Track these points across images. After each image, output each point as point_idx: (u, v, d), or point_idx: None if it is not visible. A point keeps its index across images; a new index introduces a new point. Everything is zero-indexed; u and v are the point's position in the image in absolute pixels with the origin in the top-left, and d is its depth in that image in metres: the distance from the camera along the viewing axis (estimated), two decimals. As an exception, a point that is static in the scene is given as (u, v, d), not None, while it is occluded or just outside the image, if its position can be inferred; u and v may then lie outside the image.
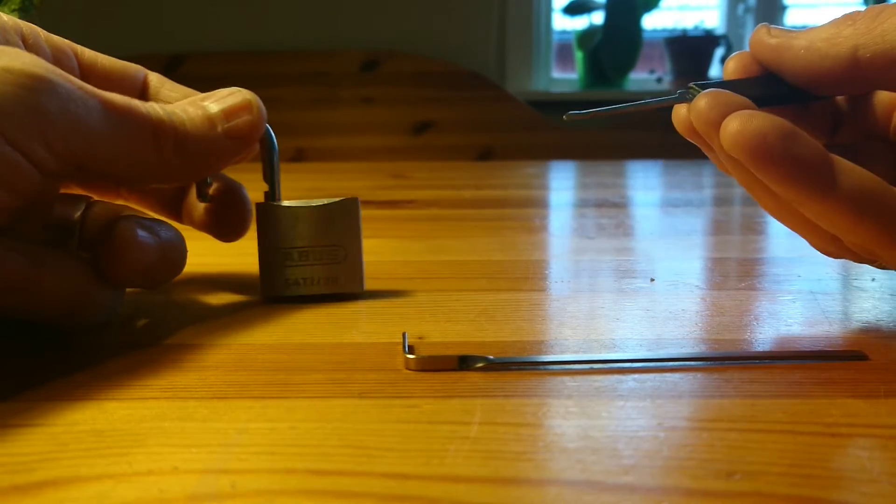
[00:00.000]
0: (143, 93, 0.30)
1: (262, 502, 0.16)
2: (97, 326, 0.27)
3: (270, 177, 0.30)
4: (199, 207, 0.31)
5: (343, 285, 0.30)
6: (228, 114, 0.27)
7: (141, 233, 0.25)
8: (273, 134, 0.30)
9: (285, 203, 0.29)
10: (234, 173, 0.31)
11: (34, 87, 0.21)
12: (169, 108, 0.26)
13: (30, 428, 0.19)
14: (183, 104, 0.26)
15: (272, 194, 0.30)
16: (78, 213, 0.29)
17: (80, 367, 0.23)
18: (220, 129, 0.26)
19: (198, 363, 0.23)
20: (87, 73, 0.29)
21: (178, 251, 0.27)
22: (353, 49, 1.73)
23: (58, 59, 0.28)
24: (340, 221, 0.30)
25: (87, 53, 0.29)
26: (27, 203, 0.22)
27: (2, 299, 0.23)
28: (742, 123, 0.22)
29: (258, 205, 0.30)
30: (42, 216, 0.27)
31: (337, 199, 0.30)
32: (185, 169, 0.26)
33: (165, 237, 0.26)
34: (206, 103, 0.27)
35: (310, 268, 0.29)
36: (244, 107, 0.27)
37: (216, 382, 0.22)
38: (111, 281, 0.25)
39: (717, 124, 0.23)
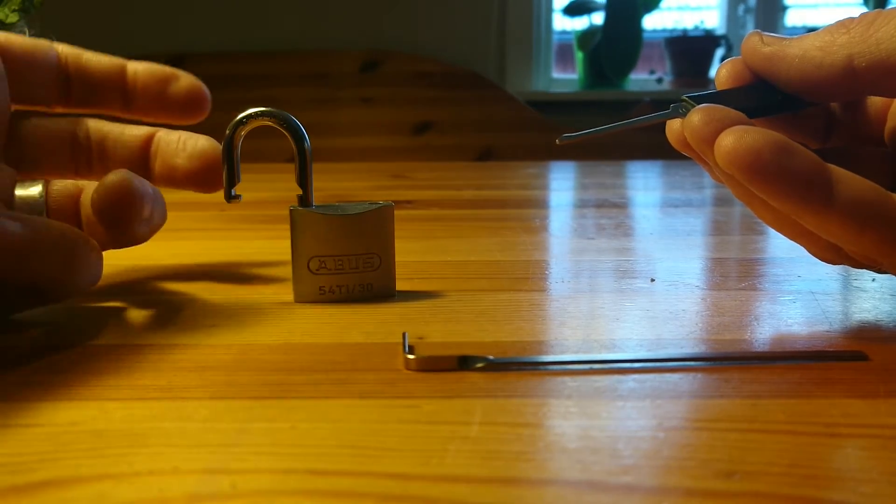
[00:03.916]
0: (60, 70, 0.31)
1: (262, 502, 0.16)
2: (96, 326, 0.27)
3: (303, 181, 0.29)
4: (179, 165, 0.31)
5: (376, 291, 0.30)
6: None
7: (137, 182, 0.27)
8: (307, 137, 0.30)
9: (321, 209, 0.29)
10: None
11: None
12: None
13: (30, 428, 0.19)
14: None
15: (305, 198, 0.29)
16: (39, 193, 0.30)
17: (80, 367, 0.23)
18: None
19: (198, 363, 0.23)
20: None
21: (162, 202, 0.30)
22: (353, 49, 1.73)
23: None
24: (376, 228, 0.29)
25: None
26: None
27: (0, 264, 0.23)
28: (736, 140, 0.22)
29: (293, 209, 0.29)
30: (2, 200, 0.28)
31: (373, 207, 0.29)
32: None
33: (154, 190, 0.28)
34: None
35: (345, 276, 0.29)
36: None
37: (216, 382, 0.22)
38: (118, 234, 0.28)
39: (710, 140, 0.22)
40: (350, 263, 0.29)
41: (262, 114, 0.29)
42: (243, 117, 0.29)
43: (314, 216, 0.29)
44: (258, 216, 0.50)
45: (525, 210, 0.54)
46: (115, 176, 0.27)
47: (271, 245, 0.41)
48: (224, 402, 0.20)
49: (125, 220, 0.27)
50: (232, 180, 0.29)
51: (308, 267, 0.29)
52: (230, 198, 0.30)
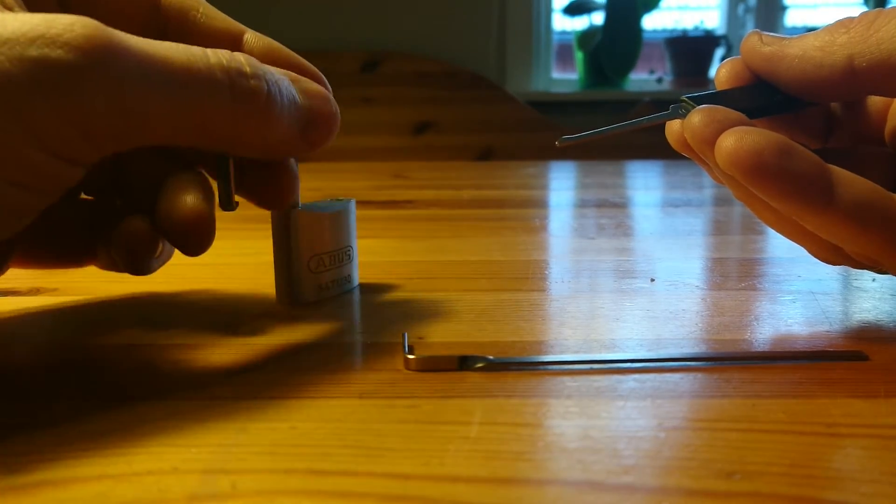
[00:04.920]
0: (152, 15, 0.26)
1: (262, 502, 0.16)
2: (95, 326, 0.27)
3: None
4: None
5: (352, 281, 0.32)
6: (312, 114, 0.24)
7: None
8: None
9: (309, 208, 0.29)
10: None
11: (76, 66, 0.17)
12: (265, 68, 0.22)
13: (30, 428, 0.19)
14: (276, 73, 0.23)
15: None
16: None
17: (78, 367, 0.23)
18: (297, 124, 0.24)
19: (198, 363, 0.23)
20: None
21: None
22: (353, 49, 1.73)
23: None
24: (348, 222, 0.31)
25: None
26: (57, 198, 0.20)
27: None
28: (737, 140, 0.22)
29: (290, 211, 0.29)
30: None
31: (344, 201, 0.31)
32: (260, 146, 0.23)
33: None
34: (297, 92, 0.24)
35: (336, 270, 0.30)
36: (330, 116, 0.25)
37: (217, 382, 0.22)
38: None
39: (711, 141, 0.22)
40: (338, 258, 0.30)
41: None
42: None
43: (313, 216, 0.29)
44: (257, 216, 0.50)
45: (525, 210, 0.54)
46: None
47: (270, 244, 0.41)
48: (224, 402, 0.20)
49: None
50: (229, 187, 0.27)
51: (308, 266, 0.29)
52: (227, 206, 0.28)
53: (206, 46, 0.25)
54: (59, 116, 0.18)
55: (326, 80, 0.28)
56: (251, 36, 0.27)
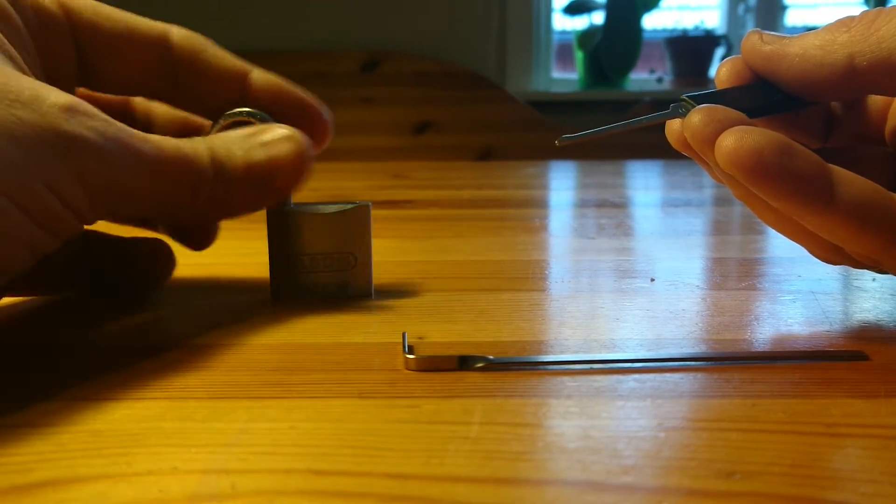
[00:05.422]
0: (163, 58, 0.28)
1: (262, 502, 0.16)
2: (95, 326, 0.27)
3: None
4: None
5: (353, 290, 0.30)
6: (272, 165, 0.26)
7: None
8: None
9: (298, 208, 0.29)
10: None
11: (70, 147, 0.21)
12: (216, 146, 0.25)
13: (29, 428, 0.19)
14: (231, 141, 0.26)
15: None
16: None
17: (80, 367, 0.23)
18: (258, 181, 0.26)
19: (198, 363, 0.23)
20: (87, 37, 0.27)
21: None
22: (353, 49, 1.73)
23: (45, 24, 0.26)
24: (353, 227, 0.29)
25: (87, 13, 0.27)
26: (63, 242, 0.23)
27: None
28: (737, 140, 0.22)
29: (270, 209, 0.29)
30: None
31: (350, 206, 0.29)
32: (216, 214, 0.27)
33: None
34: (254, 148, 0.26)
35: (321, 274, 0.30)
36: (292, 159, 0.27)
37: (216, 382, 0.22)
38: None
39: (711, 141, 0.22)
40: (326, 262, 0.29)
41: (243, 114, 0.29)
42: (227, 114, 0.29)
43: (292, 215, 0.29)
44: (256, 216, 0.50)
45: (525, 210, 0.54)
46: None
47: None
48: (224, 402, 0.20)
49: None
50: None
51: (301, 265, 0.29)
52: None
53: (215, 85, 0.29)
54: (76, 179, 0.22)
55: (326, 109, 0.30)
56: (257, 74, 0.29)
